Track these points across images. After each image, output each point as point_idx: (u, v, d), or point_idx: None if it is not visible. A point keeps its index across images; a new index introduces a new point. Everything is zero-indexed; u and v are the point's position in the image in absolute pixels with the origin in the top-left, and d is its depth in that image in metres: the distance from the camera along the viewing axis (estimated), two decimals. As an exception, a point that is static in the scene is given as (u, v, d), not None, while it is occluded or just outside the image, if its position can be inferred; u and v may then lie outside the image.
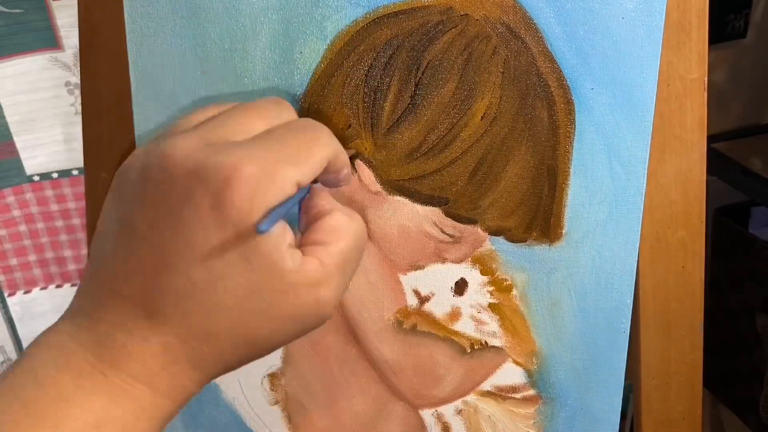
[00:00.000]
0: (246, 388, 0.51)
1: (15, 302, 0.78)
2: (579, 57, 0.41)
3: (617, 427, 0.49)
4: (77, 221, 0.78)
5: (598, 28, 0.41)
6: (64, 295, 0.82)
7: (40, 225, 0.76)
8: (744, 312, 1.04)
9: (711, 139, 0.48)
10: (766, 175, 0.96)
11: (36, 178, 0.73)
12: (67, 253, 0.79)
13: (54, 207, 0.75)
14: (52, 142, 0.71)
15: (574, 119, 0.42)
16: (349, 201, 0.45)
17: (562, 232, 0.45)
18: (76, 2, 0.45)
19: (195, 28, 0.43)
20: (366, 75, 0.42)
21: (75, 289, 0.80)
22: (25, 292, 0.80)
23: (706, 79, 0.45)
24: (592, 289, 0.46)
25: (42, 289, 0.80)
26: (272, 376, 0.50)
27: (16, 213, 0.74)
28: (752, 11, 1.03)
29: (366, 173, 0.44)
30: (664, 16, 0.40)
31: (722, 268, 1.06)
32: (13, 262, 0.76)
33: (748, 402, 1.06)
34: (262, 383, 0.50)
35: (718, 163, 0.99)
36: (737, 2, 1.02)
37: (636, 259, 0.45)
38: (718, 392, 1.13)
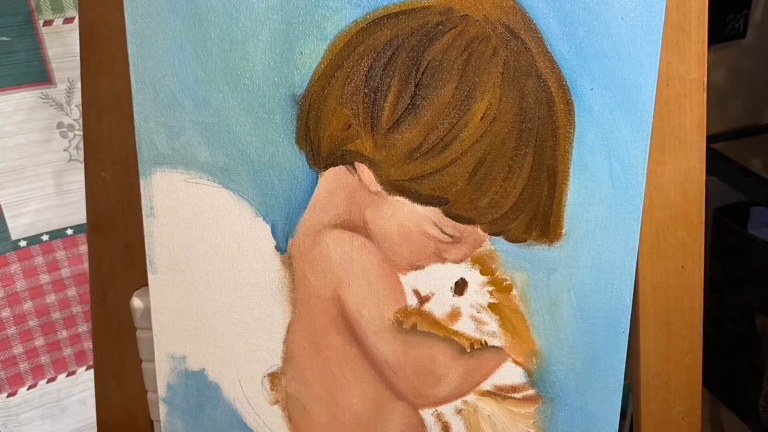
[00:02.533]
0: (246, 387, 0.51)
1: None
2: (578, 57, 0.41)
3: (617, 426, 0.49)
4: (72, 292, 0.66)
5: (598, 29, 0.41)
6: (58, 389, 0.67)
7: (27, 305, 0.64)
8: (743, 312, 1.04)
9: (710, 139, 0.48)
10: (765, 175, 0.96)
11: (22, 243, 0.61)
12: (63, 334, 0.66)
13: (44, 278, 0.63)
14: (42, 196, 0.61)
15: (573, 119, 0.42)
16: (349, 201, 0.45)
17: (561, 232, 0.45)
18: (66, 29, 0.45)
19: (195, 28, 0.43)
20: (366, 75, 0.42)
21: (71, 380, 0.66)
22: (9, 395, 0.65)
23: (705, 79, 0.45)
24: (592, 289, 0.46)
25: (30, 388, 0.66)
26: (272, 376, 0.50)
27: (-1, 293, 0.60)
28: (752, 11, 1.04)
29: (366, 173, 0.44)
30: (663, 17, 0.40)
31: (721, 268, 1.06)
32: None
33: (747, 401, 1.06)
34: (262, 383, 0.50)
35: (717, 163, 0.99)
36: (737, 2, 1.02)
37: (635, 259, 0.45)
38: (717, 392, 1.14)
